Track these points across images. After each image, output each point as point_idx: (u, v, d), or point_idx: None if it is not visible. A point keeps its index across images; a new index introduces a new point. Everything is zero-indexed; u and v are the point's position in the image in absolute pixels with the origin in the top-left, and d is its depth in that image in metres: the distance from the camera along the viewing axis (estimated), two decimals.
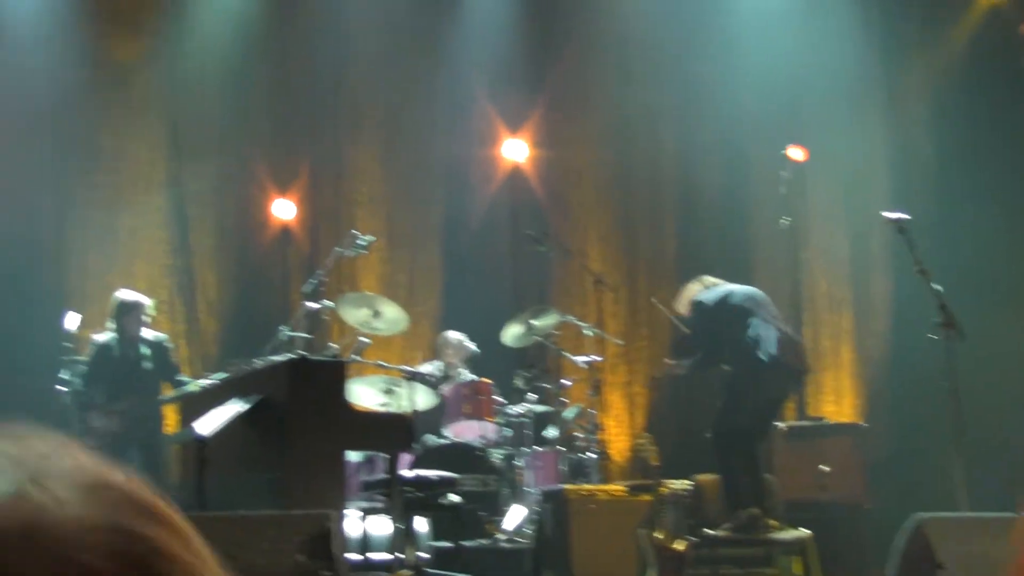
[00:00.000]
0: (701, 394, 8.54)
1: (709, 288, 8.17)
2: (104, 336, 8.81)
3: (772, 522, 7.88)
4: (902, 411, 10.59)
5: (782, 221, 9.67)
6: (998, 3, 11.23)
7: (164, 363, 8.92)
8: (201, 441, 6.10)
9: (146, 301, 8.93)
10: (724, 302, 7.98)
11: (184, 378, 8.94)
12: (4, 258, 9.88)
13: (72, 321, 8.61)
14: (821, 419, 9.82)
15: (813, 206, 11.14)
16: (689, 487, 8.11)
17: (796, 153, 10.33)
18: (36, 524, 0.63)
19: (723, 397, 8.06)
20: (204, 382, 8.32)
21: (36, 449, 0.69)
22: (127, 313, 8.78)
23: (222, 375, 7.92)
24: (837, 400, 11.01)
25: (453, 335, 9.62)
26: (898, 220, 7.10)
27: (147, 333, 8.87)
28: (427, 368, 9.27)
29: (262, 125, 10.99)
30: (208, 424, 6.22)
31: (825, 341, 11.16)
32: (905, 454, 10.18)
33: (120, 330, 8.79)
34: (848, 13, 11.43)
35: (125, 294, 8.89)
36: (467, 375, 9.34)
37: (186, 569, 0.68)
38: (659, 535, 7.30)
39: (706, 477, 8.29)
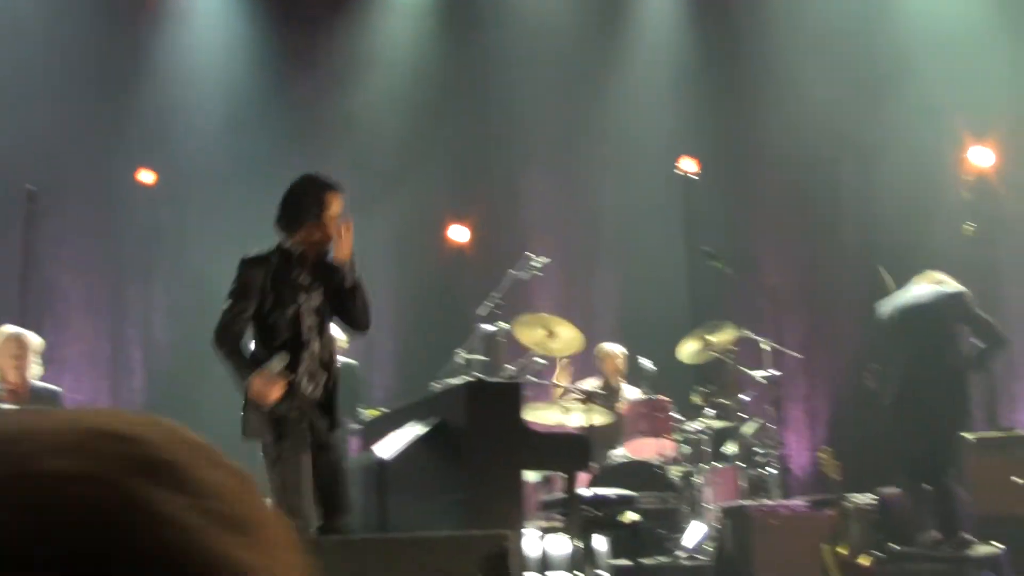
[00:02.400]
0: (882, 406, 8.36)
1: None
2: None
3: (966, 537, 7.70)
4: None
5: (966, 227, 9.41)
6: None
7: (353, 390, 9.14)
8: (382, 464, 6.26)
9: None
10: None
11: (361, 408, 9.16)
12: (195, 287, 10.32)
13: None
14: (1013, 429, 9.49)
15: (1002, 210, 10.78)
16: (874, 501, 7.97)
17: (982, 155, 10.02)
18: (14, 473, 0.61)
19: (950, 406, 8.02)
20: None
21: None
22: None
23: None
24: None
25: (609, 347, 9.63)
26: None
27: (338, 360, 9.10)
28: (588, 384, 9.29)
29: (438, 151, 11.23)
30: (389, 447, 6.39)
31: (1019, 349, 10.78)
32: None
33: None
34: None
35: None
36: (629, 388, 9.34)
37: (183, 536, 0.62)
38: (843, 550, 7.17)
39: (891, 490, 8.13)
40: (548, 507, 7.71)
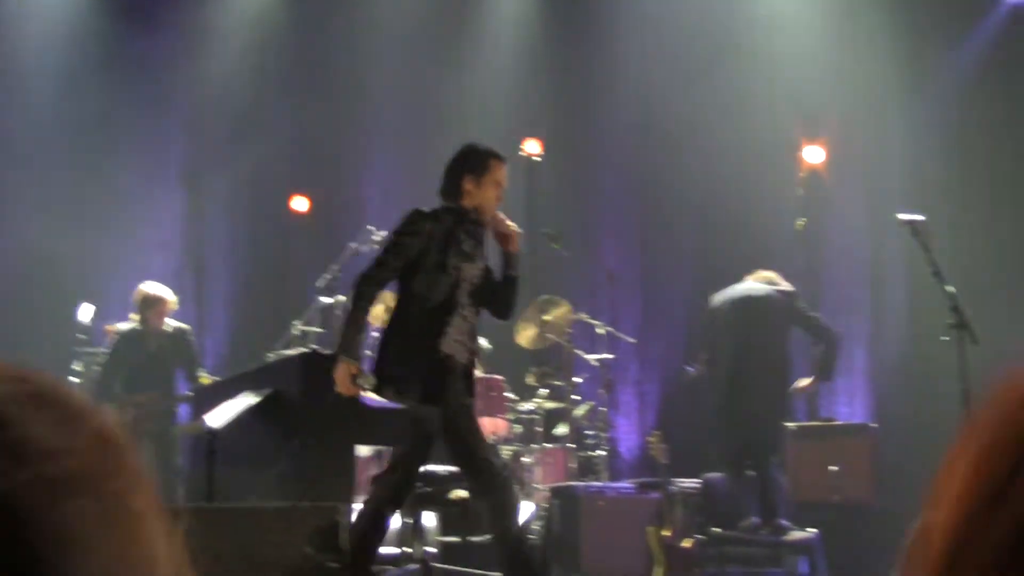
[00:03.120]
0: (711, 392, 8.55)
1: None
2: (126, 327, 8.87)
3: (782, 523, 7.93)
4: (914, 413, 10.57)
5: (798, 222, 9.71)
6: (1018, 4, 11.20)
7: (186, 354, 8.98)
8: (211, 433, 6.16)
9: (170, 296, 8.99)
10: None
11: (202, 371, 9.00)
12: (21, 251, 9.97)
13: (86, 313, 8.68)
14: (832, 420, 9.82)
15: (831, 207, 11.13)
16: (698, 485, 8.15)
17: (813, 154, 10.37)
18: None
19: (775, 397, 8.23)
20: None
21: None
22: (151, 307, 8.84)
23: None
24: (850, 401, 11.00)
25: None
26: (913, 222, 7.08)
27: (169, 324, 8.93)
28: None
29: (281, 122, 11.06)
30: (219, 416, 6.28)
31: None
32: (916, 455, 10.16)
33: (143, 323, 8.85)
34: (870, 15, 11.43)
35: (150, 287, 8.94)
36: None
37: (62, 527, 0.60)
38: (667, 532, 7.33)
39: (715, 476, 8.33)
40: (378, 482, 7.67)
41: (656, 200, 11.41)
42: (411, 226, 5.66)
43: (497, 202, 5.75)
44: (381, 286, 5.72)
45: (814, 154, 10.72)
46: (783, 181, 10.66)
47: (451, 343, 5.67)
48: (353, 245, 9.02)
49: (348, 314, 5.65)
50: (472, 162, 5.77)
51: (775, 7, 11.48)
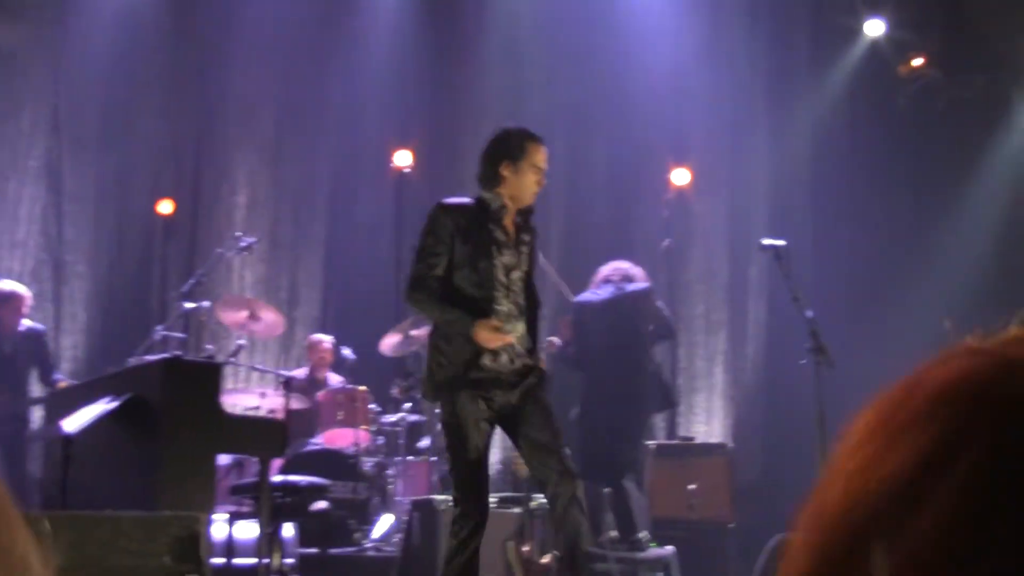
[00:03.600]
0: (571, 407, 8.60)
1: None
2: None
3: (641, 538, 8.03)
4: (771, 434, 10.82)
5: (663, 242, 9.89)
6: (877, 40, 11.55)
7: (40, 356, 8.74)
8: (67, 438, 6.00)
9: (25, 293, 8.75)
10: None
11: (58, 374, 8.78)
12: None
13: None
14: (691, 439, 10.00)
15: (695, 229, 11.34)
16: None
17: (681, 176, 10.56)
18: None
19: (632, 415, 8.28)
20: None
21: None
22: (5, 303, 8.59)
23: None
24: (708, 421, 11.21)
25: (317, 337, 9.61)
26: (775, 247, 7.23)
27: (24, 325, 8.69)
28: (299, 372, 9.24)
29: (149, 121, 10.84)
30: (75, 421, 6.13)
31: (699, 362, 11.36)
32: (772, 476, 10.40)
33: None
34: (735, 40, 11.70)
35: (3, 284, 8.69)
36: (337, 379, 9.33)
37: None
38: (526, 548, 7.36)
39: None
40: (238, 492, 7.58)
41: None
42: (431, 225, 5.30)
43: (538, 187, 5.45)
44: (429, 294, 5.23)
45: (681, 176, 10.94)
46: (651, 200, 10.84)
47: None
48: (219, 251, 8.91)
49: (434, 320, 5.29)
50: (508, 147, 5.46)
51: (645, 26, 11.64)
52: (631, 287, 8.36)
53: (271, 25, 11.01)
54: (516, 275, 5.32)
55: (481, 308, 5.15)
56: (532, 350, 5.36)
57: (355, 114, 11.08)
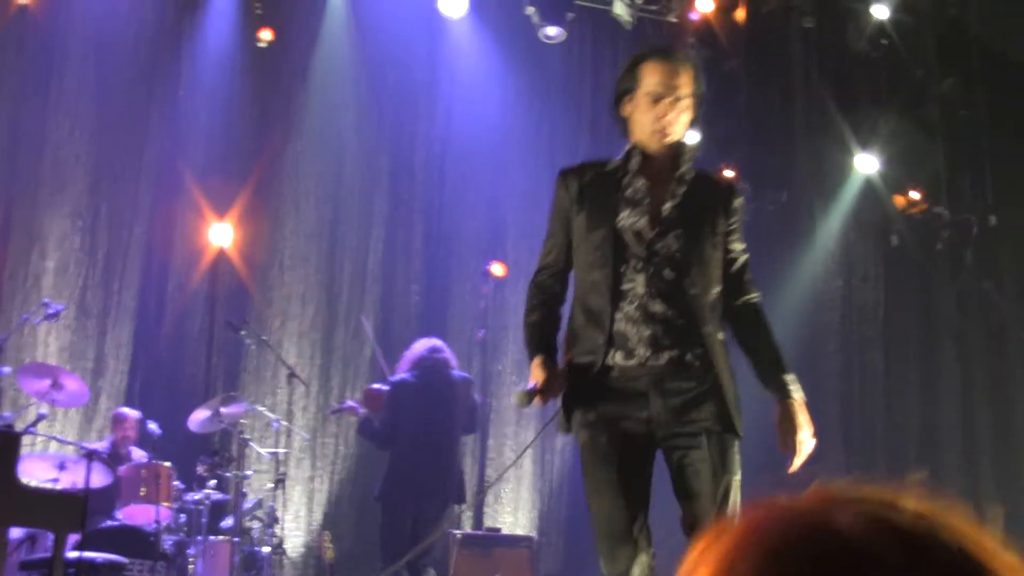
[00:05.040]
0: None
1: None
2: None
3: None
4: (574, 527, 10.94)
5: (478, 334, 10.01)
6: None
7: None
8: None
9: None
10: None
11: None
12: None
13: None
14: (497, 530, 10.04)
15: (509, 321, 11.49)
16: None
17: (497, 269, 10.73)
18: None
19: (439, 504, 8.21)
20: None
21: None
22: None
23: None
24: (515, 512, 11.28)
25: (121, 411, 9.38)
26: None
27: None
28: (100, 445, 8.99)
29: None
30: None
31: (509, 453, 11.44)
32: (576, 569, 10.51)
33: None
34: (541, 137, 12.01)
35: None
36: (140, 454, 9.09)
37: None
38: None
39: None
40: (29, 567, 7.31)
41: (332, 298, 11.37)
42: (554, 197, 4.28)
43: (671, 114, 4.08)
44: (544, 290, 4.26)
45: (497, 269, 11.10)
46: (469, 291, 10.98)
47: (623, 338, 3.99)
48: (24, 316, 8.66)
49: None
50: (622, 78, 4.21)
51: (465, 119, 11.85)
52: (455, 374, 8.40)
53: (91, 88, 10.78)
54: (669, 248, 3.99)
55: (600, 300, 4.03)
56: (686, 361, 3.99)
57: (173, 182, 10.88)
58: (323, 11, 11.53)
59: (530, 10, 11.37)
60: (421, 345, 8.50)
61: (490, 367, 11.12)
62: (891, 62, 12.12)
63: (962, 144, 12.35)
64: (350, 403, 8.71)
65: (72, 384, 8.48)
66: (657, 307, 3.94)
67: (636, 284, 3.96)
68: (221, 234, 10.72)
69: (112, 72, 10.80)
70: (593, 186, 4.14)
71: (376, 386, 8.72)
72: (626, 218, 4.01)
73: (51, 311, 8.47)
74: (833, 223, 12.54)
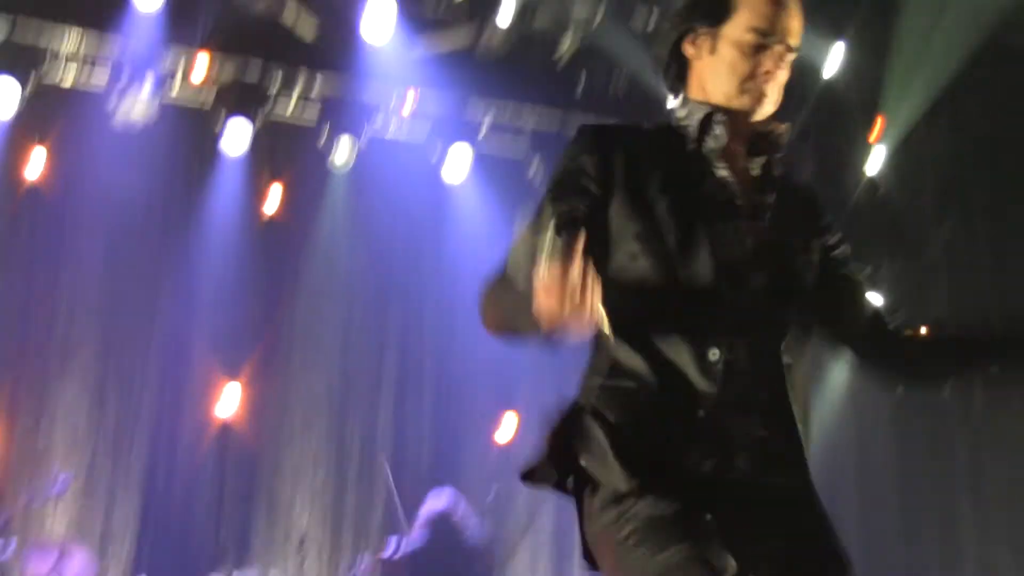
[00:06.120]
0: None
1: None
2: None
3: None
4: None
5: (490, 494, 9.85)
6: None
7: None
8: None
9: None
10: None
11: None
12: None
13: None
14: None
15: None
16: None
17: (509, 422, 10.68)
18: None
19: None
20: None
21: None
22: None
23: None
24: None
25: None
26: None
27: None
28: None
29: None
30: None
31: None
32: None
33: None
34: None
35: None
36: None
37: None
38: None
39: None
40: None
41: (348, 457, 11.28)
42: (560, 163, 2.74)
43: (780, 69, 2.68)
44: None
45: (509, 422, 11.06)
46: (478, 447, 10.91)
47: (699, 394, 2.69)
48: (30, 490, 8.59)
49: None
50: (698, 14, 2.74)
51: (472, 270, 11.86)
52: (470, 542, 8.32)
53: (99, 258, 10.84)
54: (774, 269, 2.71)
55: (645, 334, 2.74)
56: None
57: (179, 352, 10.87)
58: (326, 181, 11.62)
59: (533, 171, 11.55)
60: (437, 501, 8.51)
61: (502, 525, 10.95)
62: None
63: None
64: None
65: (77, 562, 8.38)
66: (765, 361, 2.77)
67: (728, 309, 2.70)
68: (230, 400, 10.70)
69: (122, 242, 10.91)
70: (633, 158, 2.66)
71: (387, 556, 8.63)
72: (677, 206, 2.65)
73: (59, 481, 8.46)
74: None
